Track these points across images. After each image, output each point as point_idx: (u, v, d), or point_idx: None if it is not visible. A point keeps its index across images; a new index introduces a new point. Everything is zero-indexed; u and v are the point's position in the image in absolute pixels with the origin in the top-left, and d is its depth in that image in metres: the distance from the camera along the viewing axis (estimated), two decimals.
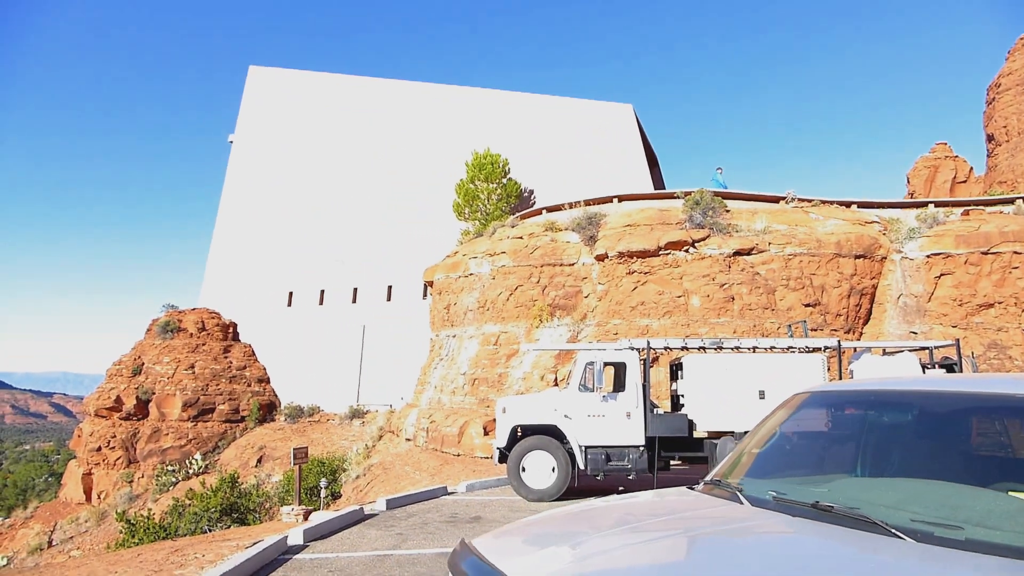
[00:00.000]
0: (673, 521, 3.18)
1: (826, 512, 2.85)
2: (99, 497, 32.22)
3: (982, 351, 19.79)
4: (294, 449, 13.52)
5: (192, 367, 35.00)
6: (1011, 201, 23.66)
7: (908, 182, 46.12)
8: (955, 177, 44.27)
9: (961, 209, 23.65)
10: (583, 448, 13.10)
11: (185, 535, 15.99)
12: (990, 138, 42.79)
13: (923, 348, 14.60)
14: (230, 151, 58.80)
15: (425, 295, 42.74)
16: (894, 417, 3.55)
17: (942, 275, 21.24)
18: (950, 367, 13.57)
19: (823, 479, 3.48)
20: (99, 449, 32.73)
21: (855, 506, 2.83)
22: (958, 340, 13.92)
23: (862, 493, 3.19)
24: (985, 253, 20.85)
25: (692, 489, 3.84)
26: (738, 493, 3.35)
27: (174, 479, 30.26)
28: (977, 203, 24.39)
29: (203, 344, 36.26)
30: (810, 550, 2.65)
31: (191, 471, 30.70)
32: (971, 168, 44.94)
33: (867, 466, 3.46)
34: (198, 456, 32.04)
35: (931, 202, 24.25)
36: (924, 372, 13.47)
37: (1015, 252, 20.61)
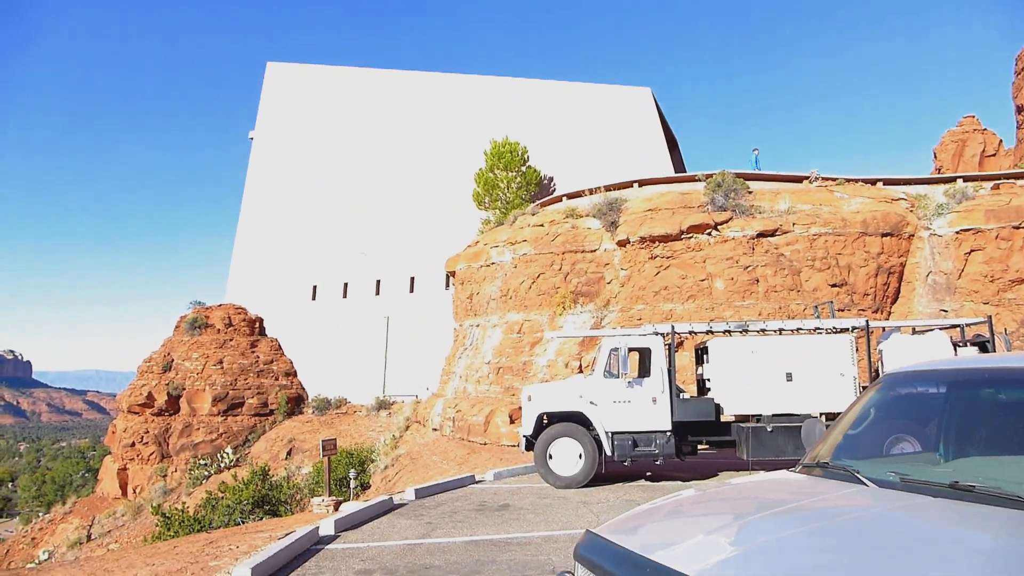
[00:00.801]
0: (815, 505, 3.12)
1: (967, 492, 2.82)
2: (135, 491, 32.93)
3: (1015, 327, 19.36)
4: (323, 441, 13.66)
5: (220, 362, 35.51)
6: None
7: (935, 157, 45.20)
8: (984, 151, 43.28)
9: (991, 183, 23.11)
10: (609, 434, 13.08)
11: (219, 527, 16.28)
12: (1020, 109, 41.72)
13: (954, 326, 14.32)
14: (251, 147, 59.29)
15: (448, 285, 42.86)
16: (993, 395, 3.56)
17: (972, 251, 20.81)
18: (982, 345, 13.29)
19: (934, 458, 3.50)
20: (133, 445, 33.41)
21: (996, 485, 2.80)
22: (990, 317, 13.64)
23: (994, 471, 3.11)
24: (1017, 227, 20.38)
25: (792, 471, 3.83)
26: (856, 475, 3.31)
27: (206, 473, 30.79)
28: (1008, 176, 23.81)
29: (230, 339, 36.76)
30: (990, 532, 2.58)
31: (223, 464, 31.21)
32: (1000, 141, 43.89)
33: (977, 444, 3.47)
34: (229, 450, 32.56)
35: (959, 177, 23.75)
36: (956, 351, 13.22)
37: None
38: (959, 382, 3.79)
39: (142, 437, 33.42)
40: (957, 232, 21.09)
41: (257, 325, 38.84)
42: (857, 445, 3.87)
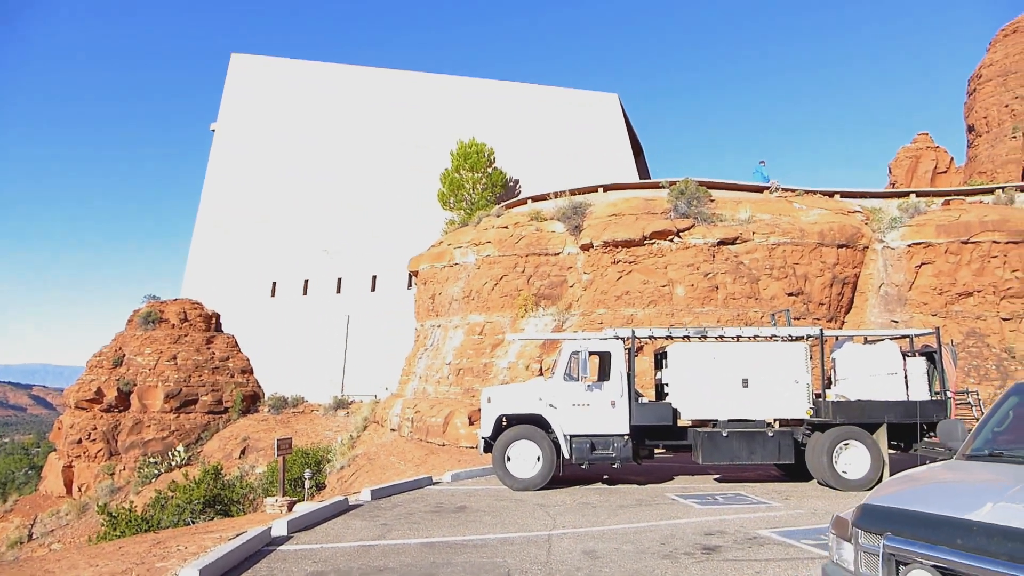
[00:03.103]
0: None
1: None
2: (80, 490, 31.92)
3: (961, 339, 20.04)
4: (278, 440, 13.42)
5: (174, 358, 34.68)
6: (991, 191, 23.92)
7: (890, 172, 46.46)
8: (936, 167, 44.62)
9: (942, 199, 23.88)
10: (568, 437, 13.13)
11: (168, 527, 15.87)
12: (971, 129, 43.16)
13: (904, 336, 14.74)
14: (212, 140, 58.09)
15: (410, 285, 42.59)
16: None
17: (923, 264, 21.46)
18: (930, 355, 13.71)
19: None
20: (80, 441, 32.40)
21: None
22: (938, 329, 14.08)
23: None
24: (965, 243, 21.08)
25: (959, 460, 4.81)
26: None
27: (156, 471, 30.02)
28: (958, 193, 24.64)
29: (185, 335, 35.93)
30: None
31: (173, 463, 30.47)
32: (952, 159, 45.32)
33: None
34: (180, 448, 31.80)
35: (913, 192, 24.49)
36: (905, 361, 13.61)
37: (994, 242, 20.85)
38: None
39: (90, 434, 32.42)
40: (909, 245, 21.72)
41: (213, 321, 38.03)
42: (1009, 439, 4.74)
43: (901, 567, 3.71)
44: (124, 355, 34.38)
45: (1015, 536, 3.28)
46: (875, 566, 3.84)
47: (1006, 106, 40.13)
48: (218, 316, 38.67)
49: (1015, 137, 37.20)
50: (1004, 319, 20.64)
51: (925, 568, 3.60)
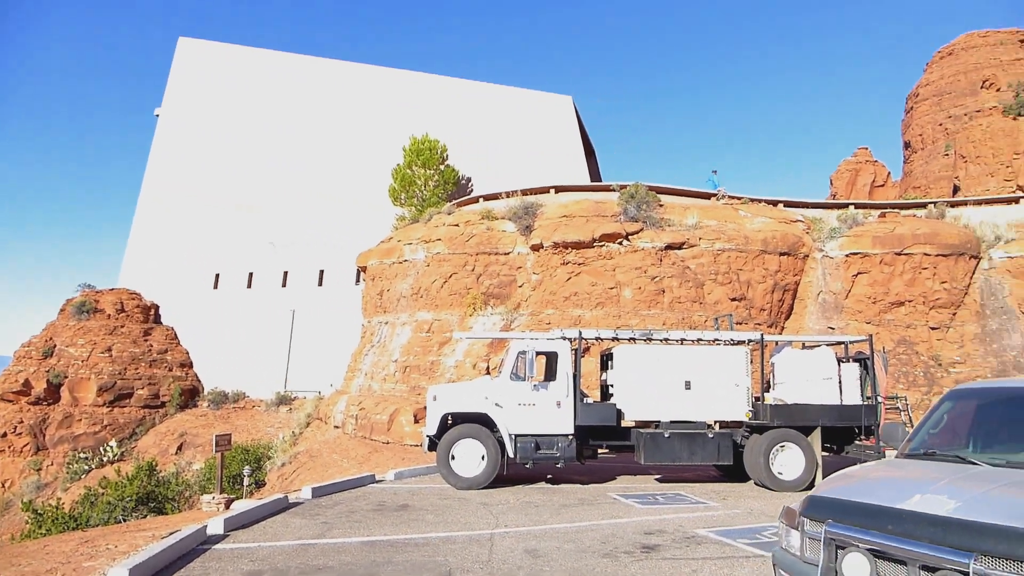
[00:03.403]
0: (975, 475, 4.34)
1: None
2: (4, 486, 30.47)
3: (892, 346, 20.88)
4: (216, 436, 13.11)
5: (109, 350, 33.43)
6: (923, 205, 25.00)
7: (831, 184, 48.06)
8: (874, 181, 46.37)
9: (879, 211, 24.84)
10: (513, 436, 13.16)
11: (97, 525, 15.31)
12: (907, 145, 45.02)
13: (839, 343, 15.27)
14: (156, 125, 56.21)
15: (358, 281, 42.07)
16: None
17: (859, 273, 22.26)
18: (863, 361, 14.24)
19: (1010, 448, 4.81)
20: (4, 435, 30.92)
21: None
22: (871, 336, 14.63)
23: None
24: (898, 254, 21.96)
25: (897, 458, 5.36)
26: (965, 460, 4.70)
27: (87, 467, 28.93)
28: (893, 206, 25.67)
29: (122, 326, 34.67)
30: None
31: (105, 459, 29.41)
32: (889, 173, 47.18)
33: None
34: (113, 443, 30.70)
35: (852, 204, 25.39)
36: (839, 366, 14.10)
37: (925, 254, 21.79)
38: (1009, 398, 5.30)
39: (15, 427, 30.98)
40: (847, 255, 22.52)
41: (152, 312, 36.80)
42: (942, 441, 5.27)
43: (840, 550, 4.20)
44: (55, 346, 32.98)
45: (936, 522, 3.79)
46: (818, 550, 4.34)
47: (940, 124, 42.01)
48: (157, 307, 37.46)
49: (947, 155, 38.95)
50: (932, 328, 21.59)
51: (860, 551, 4.06)
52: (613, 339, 14.82)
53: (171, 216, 52.81)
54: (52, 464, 30.71)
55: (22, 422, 31.13)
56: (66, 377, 32.25)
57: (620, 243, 22.24)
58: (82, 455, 29.97)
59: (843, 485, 4.73)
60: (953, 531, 3.68)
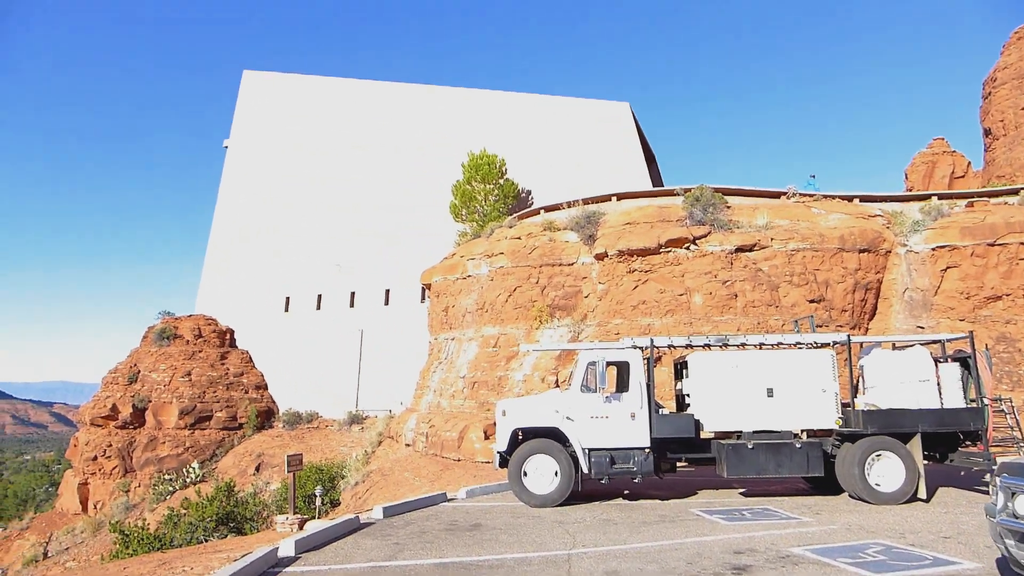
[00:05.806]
0: None
1: None
2: (95, 507, 31.77)
3: (992, 344, 19.38)
4: (288, 456, 13.10)
5: (189, 374, 34.56)
6: (1016, 192, 23.29)
7: (906, 178, 45.76)
8: (953, 172, 43.90)
9: (965, 201, 23.27)
10: (586, 451, 12.68)
11: (180, 545, 15.57)
12: (987, 132, 42.43)
13: (935, 341, 14.17)
14: (225, 156, 58.42)
15: (423, 298, 42.34)
16: None
17: (948, 268, 20.86)
18: (964, 361, 13.14)
19: None
20: (95, 458, 32.28)
21: None
22: (971, 332, 13.44)
23: None
24: (991, 245, 20.48)
25: None
26: None
27: (171, 488, 29.80)
28: (981, 195, 24.02)
29: (199, 351, 35.83)
30: None
31: (188, 480, 30.24)
32: (969, 163, 44.58)
33: None
34: (195, 464, 31.59)
35: (935, 194, 23.87)
36: (936, 366, 13.05)
37: (1022, 243, 20.24)
38: None
39: (105, 451, 32.30)
40: (933, 249, 21.14)
41: (228, 337, 37.93)
42: None
43: (1014, 495, 6.29)
44: (139, 371, 34.32)
45: None
46: (999, 497, 6.47)
47: (1023, 108, 39.42)
48: (232, 332, 38.59)
49: None
50: None
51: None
52: (687, 346, 14.19)
53: (242, 242, 54.61)
54: (139, 486, 31.83)
55: (111, 445, 32.43)
56: (150, 401, 33.47)
57: (687, 248, 21.51)
58: (166, 477, 30.93)
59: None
60: None
